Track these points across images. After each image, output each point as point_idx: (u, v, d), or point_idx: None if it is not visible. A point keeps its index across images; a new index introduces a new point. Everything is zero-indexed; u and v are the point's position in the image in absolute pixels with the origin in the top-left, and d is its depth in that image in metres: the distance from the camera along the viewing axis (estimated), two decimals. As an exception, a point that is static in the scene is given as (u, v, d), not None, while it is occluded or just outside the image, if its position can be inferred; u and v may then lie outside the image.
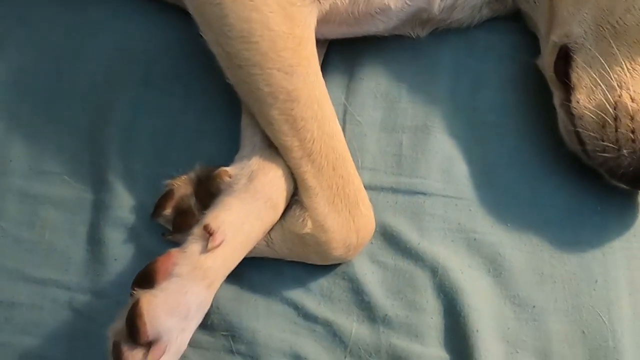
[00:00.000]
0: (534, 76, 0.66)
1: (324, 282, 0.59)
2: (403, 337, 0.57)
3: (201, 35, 0.59)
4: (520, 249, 0.61)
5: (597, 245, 0.61)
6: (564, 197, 0.63)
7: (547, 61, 0.62)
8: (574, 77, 0.58)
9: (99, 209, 0.62)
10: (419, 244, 0.60)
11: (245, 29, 0.54)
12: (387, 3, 0.61)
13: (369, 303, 0.58)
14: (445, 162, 0.64)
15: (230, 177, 0.56)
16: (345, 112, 0.66)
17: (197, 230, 0.53)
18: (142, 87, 0.67)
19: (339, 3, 0.59)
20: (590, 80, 0.56)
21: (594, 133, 0.56)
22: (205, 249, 0.51)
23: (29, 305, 0.59)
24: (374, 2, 0.60)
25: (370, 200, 0.59)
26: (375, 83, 0.67)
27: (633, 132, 0.54)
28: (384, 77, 0.68)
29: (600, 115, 0.55)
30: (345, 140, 0.59)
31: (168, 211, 0.59)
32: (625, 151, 0.54)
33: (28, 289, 0.60)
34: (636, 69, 0.55)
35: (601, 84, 0.55)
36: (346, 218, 0.55)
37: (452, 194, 0.63)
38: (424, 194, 0.63)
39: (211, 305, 0.55)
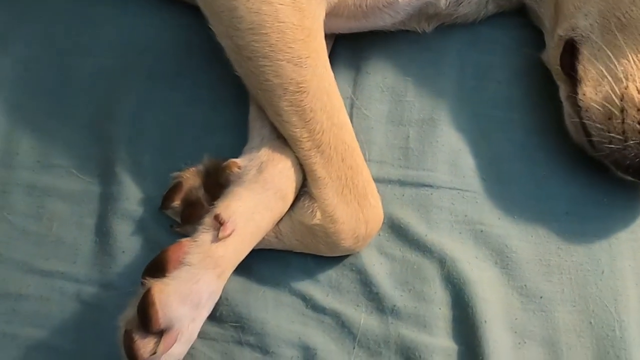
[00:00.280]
0: (539, 70, 0.67)
1: (332, 274, 0.60)
2: (411, 328, 0.57)
3: (210, 28, 0.60)
4: (527, 241, 0.61)
5: (603, 236, 0.61)
6: (570, 189, 0.63)
7: (552, 55, 0.63)
8: (580, 69, 0.58)
9: (107, 201, 0.63)
10: (426, 235, 0.61)
11: (255, 20, 0.54)
12: (394, -4, 0.62)
13: (378, 294, 0.59)
14: (452, 155, 0.64)
15: (239, 169, 0.56)
16: (352, 106, 0.66)
17: (207, 220, 0.53)
18: (149, 81, 0.67)
19: (348, -4, 0.60)
20: (596, 72, 0.57)
21: (600, 125, 0.56)
22: (216, 238, 0.51)
23: (37, 297, 0.59)
24: (381, -5, 0.61)
25: (378, 192, 0.60)
26: (382, 77, 0.68)
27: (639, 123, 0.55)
28: (391, 71, 0.68)
29: (607, 106, 0.55)
30: (353, 133, 0.60)
31: (177, 203, 0.59)
32: (631, 142, 0.55)
33: (36, 281, 0.60)
34: (643, 61, 0.55)
35: (608, 76, 0.56)
36: (355, 209, 0.56)
37: (459, 186, 0.63)
38: (431, 186, 0.63)
39: (220, 297, 0.56)
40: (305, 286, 0.59)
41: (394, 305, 0.58)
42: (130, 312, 0.50)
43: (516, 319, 0.58)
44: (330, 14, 0.60)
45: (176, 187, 0.59)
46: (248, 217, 0.53)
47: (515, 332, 0.58)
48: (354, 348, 0.57)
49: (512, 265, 0.60)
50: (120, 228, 0.61)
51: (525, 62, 0.68)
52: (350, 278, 0.60)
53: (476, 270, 0.59)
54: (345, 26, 0.65)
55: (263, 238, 0.56)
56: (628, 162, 0.56)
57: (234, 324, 0.58)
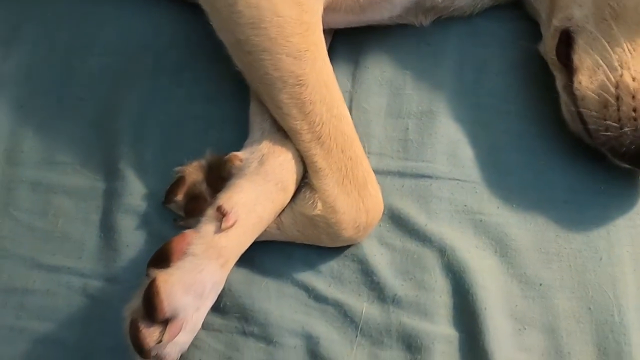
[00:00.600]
0: (535, 61, 0.68)
1: (334, 265, 0.60)
2: (413, 316, 0.58)
3: (209, 24, 0.61)
4: (526, 229, 0.62)
5: (601, 223, 0.62)
6: (567, 178, 0.64)
7: (548, 45, 0.64)
8: (576, 59, 0.59)
9: (111, 197, 0.63)
10: (426, 225, 0.61)
11: (254, 15, 0.55)
12: (391, -10, 0.63)
13: (379, 284, 0.59)
14: (450, 146, 0.65)
15: (241, 162, 0.57)
16: (351, 100, 0.67)
17: (210, 212, 0.54)
18: (151, 78, 0.68)
19: (345, -10, 0.61)
20: (592, 61, 0.57)
21: (596, 113, 0.57)
22: (219, 229, 0.52)
23: (43, 291, 0.60)
24: (379, -11, 0.62)
25: (378, 184, 0.60)
26: (380, 71, 0.68)
27: (635, 110, 0.55)
28: (389, 65, 0.69)
29: (603, 95, 0.56)
30: (352, 126, 0.61)
31: (180, 197, 0.60)
32: (627, 129, 0.56)
33: (43, 276, 0.61)
34: (636, 49, 0.56)
35: (603, 64, 0.56)
36: (355, 199, 0.57)
37: (458, 176, 0.64)
38: (430, 177, 0.64)
39: (223, 289, 0.57)
40: (308, 277, 0.60)
41: (395, 294, 0.59)
42: (135, 302, 0.51)
43: (516, 305, 0.59)
44: (329, 8, 0.61)
45: (179, 181, 0.60)
46: (250, 208, 0.54)
47: (515, 319, 0.58)
48: (356, 337, 0.58)
49: (511, 253, 0.61)
50: (125, 223, 0.62)
51: (522, 54, 0.69)
52: (351, 268, 0.60)
53: (476, 258, 0.60)
54: (343, 20, 0.65)
55: (265, 230, 0.57)
56: (624, 149, 0.57)
57: (238, 315, 0.58)
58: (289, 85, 0.56)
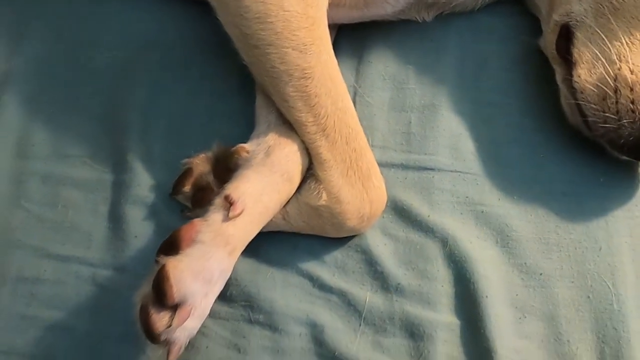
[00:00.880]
0: (536, 56, 0.69)
1: (338, 255, 0.61)
2: (415, 305, 0.59)
3: (217, 19, 0.62)
4: (526, 220, 0.63)
5: (600, 214, 0.63)
6: (567, 171, 0.65)
7: (548, 40, 0.65)
8: (575, 53, 0.60)
9: (119, 188, 0.65)
10: (428, 216, 0.63)
11: (261, 10, 0.56)
12: (395, -15, 0.64)
13: (382, 273, 0.61)
14: (452, 139, 0.66)
15: (247, 153, 0.59)
16: (355, 94, 0.68)
17: (218, 201, 0.55)
18: (158, 73, 0.70)
19: (350, -15, 0.62)
20: (591, 55, 0.59)
21: (595, 105, 0.58)
22: (227, 218, 0.53)
23: (54, 280, 0.61)
24: (382, -15, 0.63)
25: (382, 176, 0.61)
26: (383, 65, 0.70)
27: (633, 102, 0.56)
28: (392, 60, 0.70)
29: (601, 87, 0.57)
30: (356, 119, 0.62)
31: (187, 188, 0.61)
32: (625, 121, 0.57)
33: (53, 266, 0.62)
34: (635, 43, 0.57)
35: (602, 58, 0.58)
36: (359, 190, 0.58)
37: (459, 169, 0.65)
38: (432, 169, 0.65)
39: (230, 278, 0.58)
40: (312, 267, 0.61)
41: (398, 284, 0.60)
42: (145, 288, 0.52)
43: (517, 294, 0.60)
44: (333, 4, 0.62)
45: (187, 173, 0.61)
46: (256, 198, 0.55)
47: (516, 307, 0.60)
48: (360, 325, 0.59)
49: (512, 243, 0.62)
50: (133, 214, 0.63)
51: (522, 49, 0.70)
52: (355, 258, 0.61)
53: (477, 249, 0.61)
54: (347, 16, 0.67)
55: (271, 220, 0.58)
56: (622, 140, 0.58)
57: (244, 303, 0.59)
58: (294, 79, 0.57)
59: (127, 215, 0.63)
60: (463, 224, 0.63)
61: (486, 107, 0.68)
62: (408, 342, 0.58)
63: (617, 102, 0.57)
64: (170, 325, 0.50)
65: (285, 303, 0.59)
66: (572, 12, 0.61)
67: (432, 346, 0.57)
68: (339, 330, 0.58)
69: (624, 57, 0.57)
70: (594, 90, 0.58)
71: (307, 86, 0.57)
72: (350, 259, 0.61)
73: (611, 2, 0.58)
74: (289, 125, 0.60)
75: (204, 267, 0.51)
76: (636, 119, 0.57)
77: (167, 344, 0.51)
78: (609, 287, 0.60)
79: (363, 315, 0.59)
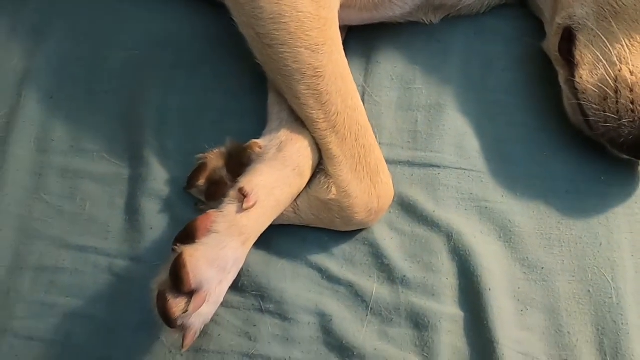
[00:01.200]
0: (539, 58, 0.71)
1: (346, 248, 0.63)
2: (421, 296, 0.61)
3: (229, 20, 0.64)
4: (529, 216, 0.65)
5: (601, 211, 0.65)
6: (569, 169, 0.67)
7: (552, 42, 0.67)
8: (577, 55, 0.62)
9: (136, 182, 0.67)
10: (434, 212, 0.64)
11: (275, 11, 0.58)
12: (403, -12, 0.66)
13: (389, 266, 0.62)
14: (457, 137, 0.68)
15: (260, 148, 0.61)
16: (364, 93, 0.70)
17: (232, 193, 0.57)
18: (173, 71, 0.72)
19: (360, -13, 0.64)
20: (592, 57, 0.61)
21: (596, 105, 0.60)
22: (241, 209, 0.55)
23: (72, 270, 0.63)
24: (391, -13, 0.65)
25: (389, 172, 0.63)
26: (391, 66, 0.72)
27: (632, 102, 0.58)
28: (400, 61, 0.72)
29: (602, 88, 0.59)
30: (364, 117, 0.63)
31: (201, 182, 0.63)
32: (625, 121, 0.59)
33: (71, 256, 0.64)
34: (635, 45, 0.59)
35: (603, 59, 0.59)
36: (368, 185, 0.60)
37: (464, 166, 0.67)
38: (438, 166, 0.67)
39: (242, 269, 0.60)
40: (321, 259, 0.63)
41: (404, 276, 0.62)
42: (162, 275, 0.54)
43: (519, 288, 0.62)
44: (344, 6, 0.64)
45: (201, 167, 0.63)
46: (269, 191, 0.57)
47: (518, 300, 0.61)
48: (367, 315, 0.61)
49: (515, 239, 0.64)
50: (149, 206, 0.65)
51: (526, 51, 0.72)
52: (363, 251, 0.63)
53: (481, 243, 0.63)
54: (357, 17, 0.69)
55: (282, 214, 0.60)
56: (622, 139, 0.60)
57: (255, 293, 0.61)
58: (307, 77, 0.59)
59: (143, 208, 0.65)
60: (467, 219, 0.65)
61: (491, 107, 0.70)
62: (413, 332, 0.60)
63: (617, 102, 0.59)
64: (186, 311, 0.51)
65: (295, 293, 0.61)
66: (575, 16, 0.63)
67: (437, 336, 0.59)
68: (347, 320, 0.60)
69: (624, 59, 0.59)
70: (595, 91, 0.60)
71: (318, 84, 0.59)
72: (358, 251, 0.63)
73: (612, 6, 0.60)
74: (300, 122, 0.62)
75: (219, 255, 0.53)
76: (636, 119, 0.59)
77: (183, 329, 0.53)
78: (609, 282, 0.62)
79: (370, 306, 0.61)
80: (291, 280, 0.62)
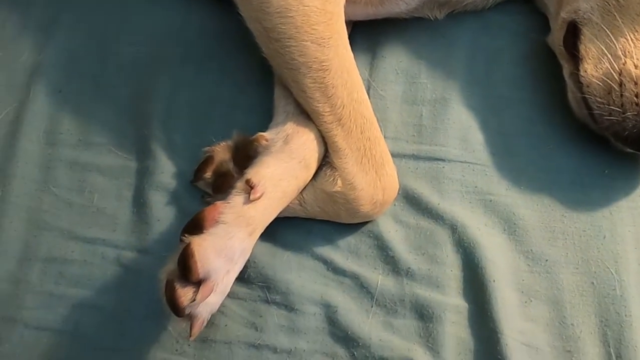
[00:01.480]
0: (544, 52, 0.71)
1: (351, 240, 0.64)
2: (425, 288, 0.62)
3: (236, 15, 0.64)
4: (533, 209, 0.65)
5: (604, 204, 0.65)
6: (573, 162, 0.67)
7: (556, 36, 0.67)
8: (582, 49, 0.63)
9: (143, 175, 0.67)
10: (438, 204, 0.65)
11: (281, 5, 0.59)
12: (409, -16, 0.66)
13: (393, 258, 0.63)
14: (462, 131, 0.69)
15: (267, 141, 0.61)
16: (369, 87, 0.71)
17: (239, 184, 0.58)
18: (181, 65, 0.72)
19: (366, -17, 0.64)
20: (597, 50, 0.61)
21: (600, 99, 0.61)
22: (248, 200, 0.56)
23: (81, 261, 0.64)
24: (397, -17, 0.66)
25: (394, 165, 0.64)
26: (396, 60, 0.72)
27: (637, 96, 0.59)
28: (405, 55, 0.73)
29: (607, 81, 0.60)
30: (370, 111, 0.64)
31: (208, 175, 0.63)
32: (629, 114, 0.59)
33: (80, 247, 0.64)
34: (639, 39, 0.60)
35: (607, 53, 0.60)
36: (373, 177, 0.60)
37: (469, 159, 0.67)
38: (443, 160, 0.67)
39: (248, 260, 0.60)
40: (327, 251, 0.63)
41: (409, 268, 0.63)
42: (170, 265, 0.54)
43: (523, 280, 0.62)
44: (350, 1, 0.65)
45: (208, 160, 0.64)
46: (275, 183, 0.58)
47: (522, 292, 0.62)
48: (372, 306, 0.61)
49: (519, 231, 0.64)
50: (156, 199, 0.66)
51: (531, 46, 0.72)
52: (368, 243, 0.64)
53: (485, 235, 0.64)
54: (363, 13, 0.69)
55: (288, 206, 0.61)
56: (627, 132, 0.60)
57: (262, 284, 0.62)
58: (313, 70, 0.59)
59: (151, 200, 0.66)
60: (472, 212, 0.65)
61: (495, 101, 0.70)
62: (418, 323, 0.60)
63: (621, 96, 0.59)
64: (194, 300, 0.52)
65: (300, 284, 0.62)
66: (579, 10, 0.64)
67: (441, 327, 0.60)
68: (352, 311, 0.61)
69: (628, 52, 0.59)
70: (599, 84, 0.60)
71: (324, 78, 0.60)
72: (363, 243, 0.64)
73: (617, 0, 0.61)
74: (306, 115, 0.62)
75: (227, 245, 0.54)
76: (640, 112, 0.59)
77: (191, 318, 0.53)
78: (612, 274, 0.62)
79: (375, 297, 0.62)
80: (297, 272, 0.63)
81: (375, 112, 0.66)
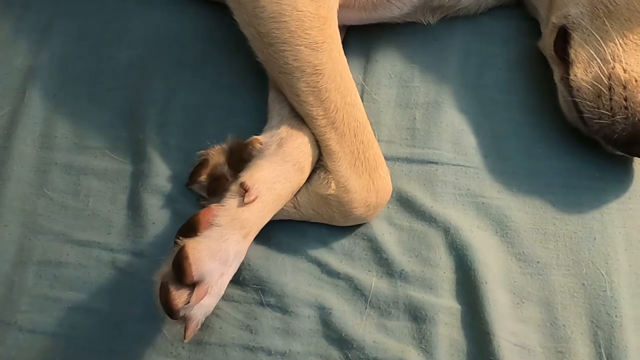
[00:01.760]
0: (535, 57, 0.72)
1: (345, 242, 0.65)
2: (418, 290, 0.62)
3: (231, 20, 0.65)
4: (525, 211, 0.66)
5: (595, 206, 0.66)
6: (564, 165, 0.68)
7: (547, 41, 0.68)
8: (572, 53, 0.64)
9: (138, 178, 0.67)
10: (431, 207, 0.66)
11: (275, 10, 0.60)
12: (401, -12, 0.67)
13: (387, 260, 0.64)
14: (455, 134, 0.69)
15: (261, 145, 0.62)
16: (363, 91, 0.72)
17: (234, 187, 0.58)
18: (176, 69, 0.73)
19: (359, -13, 0.65)
20: (586, 55, 0.62)
21: (590, 102, 0.62)
22: (242, 203, 0.56)
23: (76, 264, 0.64)
24: (389, -13, 0.67)
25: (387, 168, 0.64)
26: (390, 65, 0.73)
27: (625, 99, 0.60)
28: (398, 59, 0.73)
29: (596, 85, 0.61)
30: (364, 115, 0.64)
31: (203, 178, 0.64)
32: (618, 117, 0.60)
33: (75, 250, 0.64)
34: (628, 43, 0.61)
35: (597, 58, 0.61)
36: (366, 180, 0.61)
37: (462, 162, 0.68)
38: (436, 163, 0.68)
39: (242, 263, 0.61)
40: (321, 253, 0.64)
41: (402, 270, 0.63)
42: (165, 268, 0.55)
43: (515, 281, 0.63)
44: (343, 6, 0.66)
45: (202, 163, 0.64)
46: (270, 186, 0.58)
47: (514, 294, 0.62)
48: (365, 308, 0.62)
49: (511, 233, 0.65)
50: (151, 202, 0.66)
51: (522, 50, 0.73)
52: (361, 246, 0.64)
53: (478, 238, 0.64)
54: (356, 17, 0.70)
55: (282, 209, 0.61)
56: (616, 135, 0.61)
57: (256, 287, 0.62)
58: (306, 75, 0.60)
59: (146, 203, 0.66)
60: (464, 214, 0.66)
61: (488, 104, 0.71)
62: (411, 324, 0.61)
63: (611, 99, 0.60)
64: (188, 302, 0.52)
65: (295, 287, 0.62)
66: (569, 15, 0.65)
67: (434, 329, 0.60)
68: (346, 313, 0.61)
69: (617, 57, 0.60)
70: (589, 88, 0.61)
71: (318, 82, 0.60)
72: (357, 246, 0.64)
73: (606, 6, 0.62)
74: (300, 119, 0.63)
75: (221, 248, 0.54)
76: (628, 115, 0.60)
77: (185, 321, 0.54)
78: (603, 275, 0.63)
79: (369, 299, 0.62)
80: (291, 274, 0.63)
81: (369, 115, 0.66)
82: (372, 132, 0.64)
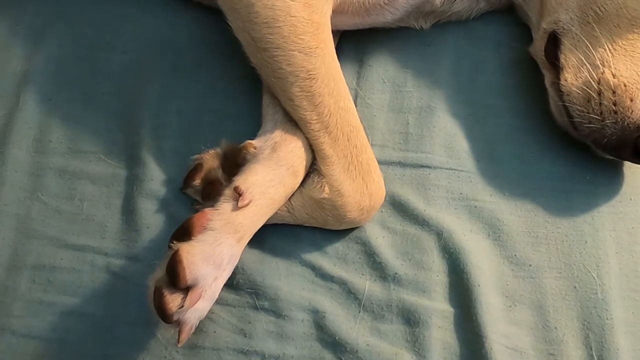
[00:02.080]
0: (527, 62, 0.73)
1: (339, 246, 0.65)
2: (412, 293, 0.63)
3: (227, 24, 0.65)
4: (517, 215, 0.67)
5: (586, 210, 0.67)
6: (556, 168, 0.69)
7: (538, 46, 0.69)
8: (562, 58, 0.65)
9: (133, 182, 0.68)
10: (424, 211, 0.66)
11: (269, 15, 0.60)
12: (394, -6, 0.67)
13: (380, 263, 0.64)
14: (448, 139, 0.70)
15: (255, 149, 0.62)
16: (356, 96, 0.72)
17: (228, 192, 0.58)
18: (171, 74, 0.73)
19: (352, -7, 0.65)
20: (576, 60, 0.63)
21: (580, 107, 0.62)
22: (236, 207, 0.57)
23: (70, 269, 0.64)
24: (382, -7, 0.67)
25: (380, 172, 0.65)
26: (383, 69, 0.74)
27: (615, 104, 0.61)
28: (391, 64, 0.74)
29: (586, 90, 0.62)
30: (357, 119, 0.65)
31: (197, 182, 0.64)
32: (608, 122, 0.61)
33: (69, 255, 0.65)
34: (617, 49, 0.62)
35: (586, 63, 0.62)
36: (360, 184, 0.61)
37: (454, 166, 0.69)
38: (428, 167, 0.69)
39: (237, 267, 0.61)
40: (315, 257, 0.64)
41: (396, 273, 0.63)
42: (159, 272, 0.55)
43: (507, 284, 0.64)
44: (336, 11, 0.66)
45: (197, 168, 0.65)
46: (264, 190, 0.59)
47: (506, 296, 0.63)
48: (359, 312, 0.62)
49: (503, 237, 0.66)
50: (145, 206, 0.66)
51: (514, 55, 0.74)
52: (355, 250, 0.65)
53: (470, 241, 0.65)
54: (349, 22, 0.70)
55: (276, 213, 0.62)
56: (606, 139, 0.62)
57: (250, 291, 0.63)
58: (300, 79, 0.60)
59: (140, 207, 0.66)
60: (457, 218, 0.66)
61: (480, 109, 0.72)
62: (404, 327, 0.61)
63: (600, 104, 0.61)
64: (182, 306, 0.53)
65: (288, 291, 0.63)
66: (560, 21, 0.65)
67: (427, 332, 0.61)
68: (340, 317, 0.62)
69: (607, 62, 0.61)
70: (579, 93, 0.62)
71: (311, 86, 0.61)
72: (351, 250, 0.65)
73: (595, 12, 0.63)
74: (294, 124, 0.63)
75: (215, 252, 0.55)
76: (618, 120, 0.61)
77: (179, 324, 0.54)
78: (594, 278, 0.63)
79: (362, 303, 0.62)
80: (285, 278, 0.63)
81: (362, 120, 0.67)
82: (366, 136, 0.64)
